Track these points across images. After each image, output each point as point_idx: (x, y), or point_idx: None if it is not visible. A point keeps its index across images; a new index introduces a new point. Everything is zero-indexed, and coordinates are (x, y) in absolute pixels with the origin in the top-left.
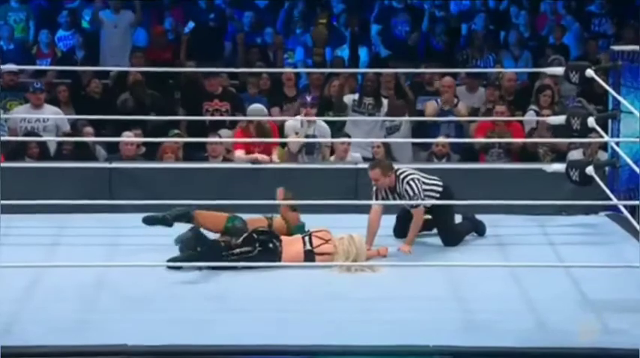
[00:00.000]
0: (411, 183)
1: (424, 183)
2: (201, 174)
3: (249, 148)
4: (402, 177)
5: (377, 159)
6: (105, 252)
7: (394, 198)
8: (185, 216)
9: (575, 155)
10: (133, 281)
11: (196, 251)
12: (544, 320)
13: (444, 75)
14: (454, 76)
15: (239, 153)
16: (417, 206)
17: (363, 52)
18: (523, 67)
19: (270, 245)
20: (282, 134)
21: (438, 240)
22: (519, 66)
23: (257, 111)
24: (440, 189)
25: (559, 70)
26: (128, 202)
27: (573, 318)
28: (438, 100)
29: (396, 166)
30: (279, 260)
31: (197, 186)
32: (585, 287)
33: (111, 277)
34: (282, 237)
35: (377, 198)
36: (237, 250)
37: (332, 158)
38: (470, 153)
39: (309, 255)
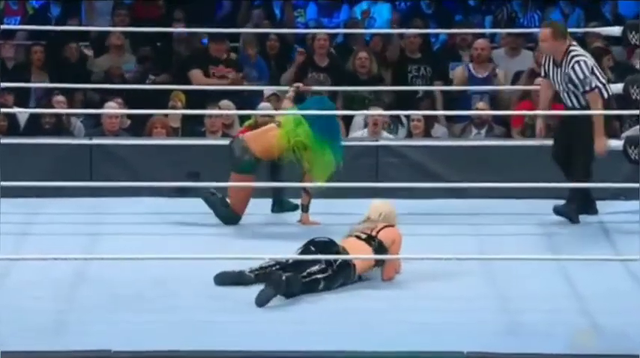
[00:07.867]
0: (582, 64)
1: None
2: (197, 152)
3: None
4: (572, 54)
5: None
6: (85, 242)
7: (556, 75)
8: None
9: (633, 131)
10: (118, 276)
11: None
12: (598, 322)
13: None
14: (492, 37)
15: None
16: (590, 90)
17: (384, 8)
18: (574, 27)
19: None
20: None
21: (477, 229)
22: (569, 25)
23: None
24: (606, 94)
25: (616, 30)
26: (111, 184)
27: (632, 320)
28: (470, 66)
29: (573, 43)
30: (355, 269)
31: (192, 166)
32: None
33: (92, 271)
34: (344, 244)
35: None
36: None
37: (362, 132)
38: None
39: (379, 248)
